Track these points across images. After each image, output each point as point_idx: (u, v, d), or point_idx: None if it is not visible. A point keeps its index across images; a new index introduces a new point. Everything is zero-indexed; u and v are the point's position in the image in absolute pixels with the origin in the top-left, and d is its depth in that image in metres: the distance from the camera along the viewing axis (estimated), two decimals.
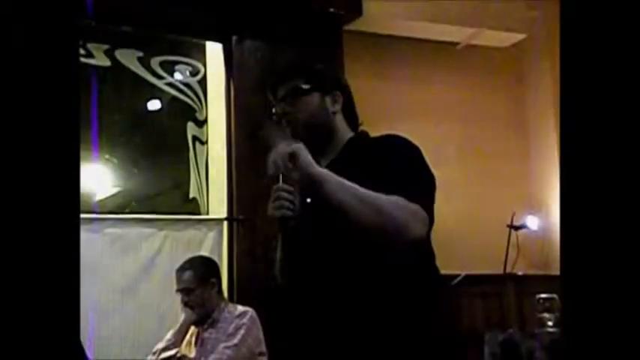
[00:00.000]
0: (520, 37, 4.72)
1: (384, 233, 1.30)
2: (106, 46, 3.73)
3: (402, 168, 1.38)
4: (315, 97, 1.49)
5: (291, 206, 1.35)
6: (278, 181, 1.36)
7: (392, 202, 1.30)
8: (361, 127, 1.56)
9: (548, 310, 2.68)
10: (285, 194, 1.36)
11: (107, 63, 3.73)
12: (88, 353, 2.57)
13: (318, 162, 1.48)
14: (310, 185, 1.34)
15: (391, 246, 1.33)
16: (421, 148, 1.44)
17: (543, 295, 2.72)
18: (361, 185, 1.34)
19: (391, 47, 4.55)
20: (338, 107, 1.51)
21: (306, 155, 1.34)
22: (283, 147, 1.35)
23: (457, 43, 4.68)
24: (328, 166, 1.48)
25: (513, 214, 4.21)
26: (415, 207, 1.31)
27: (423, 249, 1.41)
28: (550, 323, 2.66)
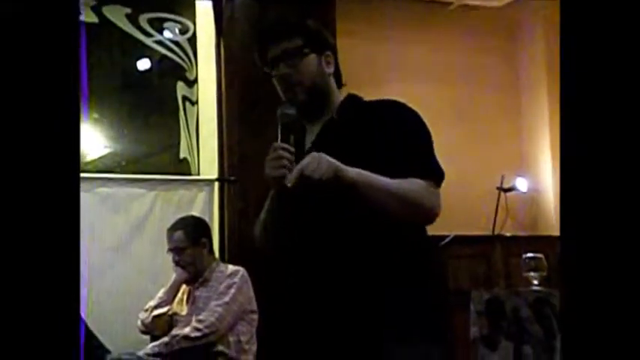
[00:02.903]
0: None
1: (412, 219, 1.38)
2: (93, 2, 3.65)
3: (415, 144, 1.40)
4: (313, 59, 1.45)
5: (290, 166, 1.32)
6: (277, 140, 1.33)
7: (417, 191, 1.35)
8: (348, 90, 1.53)
9: (533, 270, 2.73)
10: (285, 154, 1.32)
11: (94, 20, 3.66)
12: (81, 311, 2.59)
13: (311, 125, 1.47)
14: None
15: (416, 225, 1.43)
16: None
17: (529, 255, 2.77)
18: (363, 151, 1.36)
19: (383, 7, 4.48)
20: (332, 68, 1.49)
21: (337, 165, 1.30)
22: (317, 169, 1.28)
23: (450, 3, 4.62)
24: (323, 128, 1.47)
25: (503, 177, 4.24)
26: (434, 189, 1.38)
27: None
28: (535, 282, 2.71)
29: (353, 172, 1.31)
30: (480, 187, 4.35)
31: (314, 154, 1.31)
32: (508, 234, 4.06)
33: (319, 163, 1.29)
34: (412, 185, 1.35)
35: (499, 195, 4.20)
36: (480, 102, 4.70)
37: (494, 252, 3.77)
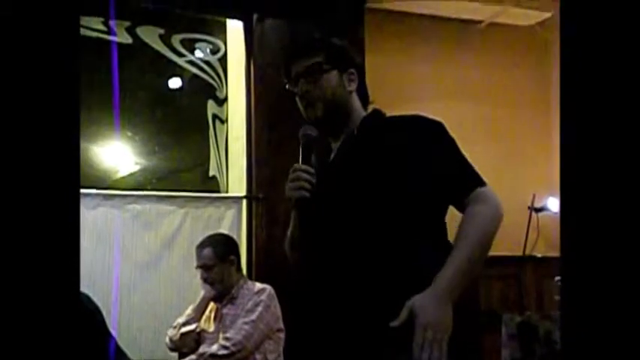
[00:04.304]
0: (545, 15, 4.63)
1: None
2: (127, 23, 3.74)
3: (449, 158, 1.40)
4: (334, 76, 1.46)
5: (309, 187, 1.33)
6: (298, 161, 1.35)
7: (481, 220, 1.36)
8: (373, 106, 1.54)
9: None
10: (304, 175, 1.34)
11: (129, 40, 3.74)
12: (112, 328, 2.61)
13: (336, 141, 1.48)
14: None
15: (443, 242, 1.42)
16: None
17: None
18: (382, 165, 1.34)
19: (414, 25, 4.49)
20: (354, 86, 1.49)
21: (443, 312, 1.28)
22: (440, 336, 1.25)
23: (481, 21, 4.60)
24: (342, 144, 1.47)
25: (534, 196, 4.17)
26: (485, 190, 1.39)
27: (437, 225, 1.41)
28: None
29: (446, 291, 1.28)
30: (510, 207, 4.24)
31: (421, 323, 1.25)
32: (539, 255, 3.98)
33: (437, 329, 1.24)
34: (474, 221, 1.34)
35: (530, 215, 4.12)
36: (511, 120, 4.65)
37: (526, 273, 3.71)
